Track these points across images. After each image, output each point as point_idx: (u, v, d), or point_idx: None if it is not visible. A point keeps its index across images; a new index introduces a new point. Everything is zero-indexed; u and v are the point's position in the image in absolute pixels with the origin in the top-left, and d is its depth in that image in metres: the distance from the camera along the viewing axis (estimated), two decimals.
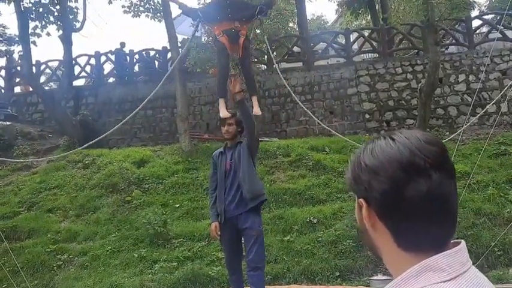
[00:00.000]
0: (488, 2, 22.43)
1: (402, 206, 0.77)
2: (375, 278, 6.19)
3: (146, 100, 6.23)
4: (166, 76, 6.40)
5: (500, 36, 12.69)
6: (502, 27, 12.28)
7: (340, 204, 8.25)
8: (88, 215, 8.99)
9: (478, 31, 14.66)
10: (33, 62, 14.46)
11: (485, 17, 15.23)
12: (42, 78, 17.24)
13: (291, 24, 24.62)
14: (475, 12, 18.76)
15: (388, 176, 0.78)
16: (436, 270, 0.75)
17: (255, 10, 4.77)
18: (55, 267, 7.44)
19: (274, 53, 15.23)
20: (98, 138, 6.39)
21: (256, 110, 4.63)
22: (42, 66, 16.12)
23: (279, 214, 8.15)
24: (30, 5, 12.92)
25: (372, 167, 0.80)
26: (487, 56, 11.36)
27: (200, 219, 8.26)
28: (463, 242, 0.80)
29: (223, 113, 4.41)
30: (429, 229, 0.78)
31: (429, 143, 0.79)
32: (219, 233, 4.38)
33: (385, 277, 6.16)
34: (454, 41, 14.01)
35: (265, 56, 15.11)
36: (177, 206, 8.89)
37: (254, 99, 4.74)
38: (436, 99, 12.28)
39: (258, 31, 16.03)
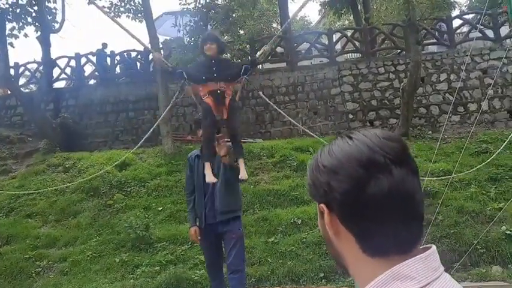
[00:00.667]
0: (468, 2, 22.73)
1: (364, 205, 0.71)
2: None
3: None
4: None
5: (480, 35, 12.84)
6: (482, 27, 12.41)
7: None
8: (68, 219, 8.80)
9: (458, 31, 14.83)
10: (12, 64, 14.15)
11: (466, 16, 15.41)
12: (22, 81, 16.89)
13: (274, 25, 24.68)
14: (455, 12, 19.00)
15: (347, 175, 0.73)
16: (404, 278, 0.69)
17: (240, 70, 4.60)
18: (34, 274, 7.25)
19: (257, 53, 15.20)
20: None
21: (243, 174, 4.39)
22: (21, 69, 15.80)
23: (263, 215, 8.08)
24: (7, 5, 12.62)
25: (330, 167, 0.76)
26: (467, 55, 11.46)
27: (183, 222, 8.12)
28: (433, 247, 0.75)
29: (209, 178, 4.21)
30: (394, 230, 0.72)
31: (388, 139, 0.75)
32: (199, 237, 4.37)
33: None
34: (435, 41, 14.14)
35: (249, 57, 15.03)
36: (160, 209, 8.75)
37: (241, 162, 4.48)
38: (418, 98, 12.36)
39: (241, 32, 16.00)
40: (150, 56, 14.38)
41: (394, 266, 0.70)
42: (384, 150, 0.73)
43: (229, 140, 4.55)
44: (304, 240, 7.20)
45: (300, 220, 7.73)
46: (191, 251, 7.21)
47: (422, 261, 0.71)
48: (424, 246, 0.76)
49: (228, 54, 14.03)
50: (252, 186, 8.99)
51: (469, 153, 9.37)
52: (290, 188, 8.90)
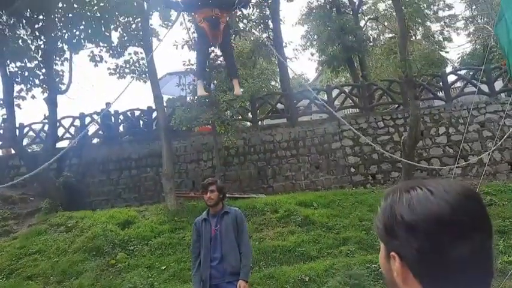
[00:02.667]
0: (460, 59, 23.55)
1: (441, 265, 0.73)
2: None
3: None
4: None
5: (475, 89, 13.18)
6: (479, 82, 12.76)
7: (332, 260, 8.06)
8: (70, 280, 8.58)
9: (453, 86, 15.25)
10: (17, 125, 14.38)
11: (460, 72, 15.90)
12: (25, 141, 17.06)
13: (273, 83, 25.36)
14: (448, 68, 19.65)
15: (427, 234, 0.73)
16: None
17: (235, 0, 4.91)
18: None
19: (258, 111, 15.51)
20: None
21: (237, 91, 4.87)
22: (26, 129, 16.04)
23: (269, 273, 7.90)
24: (16, 69, 13.03)
25: (409, 222, 0.76)
26: (465, 109, 11.73)
27: (188, 281, 7.93)
28: None
29: (200, 91, 4.68)
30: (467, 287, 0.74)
31: (468, 197, 0.76)
32: None
33: None
34: (432, 96, 14.51)
35: (249, 113, 15.34)
36: (164, 268, 8.57)
37: (235, 81, 4.93)
38: (418, 151, 12.49)
39: (241, 90, 16.42)
40: (154, 115, 14.66)
41: None
42: (466, 212, 0.73)
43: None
44: None
45: (308, 277, 7.56)
46: None
47: None
48: None
49: (229, 112, 14.33)
50: (257, 243, 8.86)
51: None
52: (296, 243, 8.78)
